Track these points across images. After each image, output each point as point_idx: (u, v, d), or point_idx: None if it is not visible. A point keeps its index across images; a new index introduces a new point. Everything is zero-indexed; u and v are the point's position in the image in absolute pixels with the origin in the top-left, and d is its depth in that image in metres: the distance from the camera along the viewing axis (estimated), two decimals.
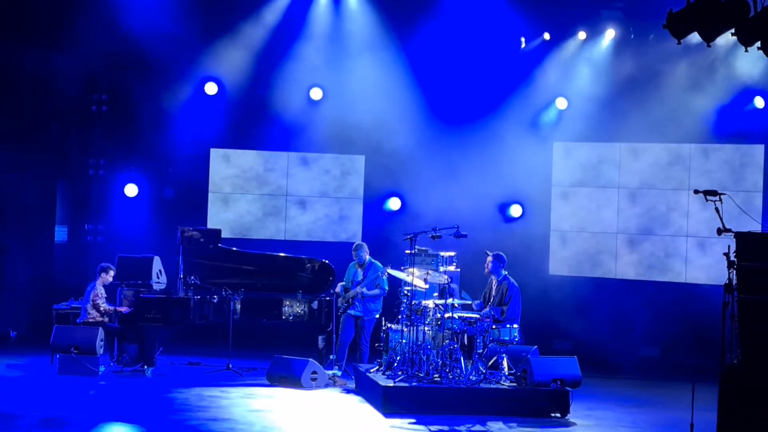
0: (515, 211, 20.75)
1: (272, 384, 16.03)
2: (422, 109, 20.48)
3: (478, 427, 13.28)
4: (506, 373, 14.74)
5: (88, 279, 18.05)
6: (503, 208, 20.74)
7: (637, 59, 19.80)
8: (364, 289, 16.72)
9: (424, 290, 15.49)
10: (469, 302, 15.81)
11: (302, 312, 17.44)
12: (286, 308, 17.41)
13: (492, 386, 14.41)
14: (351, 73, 20.51)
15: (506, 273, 15.81)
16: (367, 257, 16.92)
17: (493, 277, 15.88)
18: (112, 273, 17.16)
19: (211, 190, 21.21)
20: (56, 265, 21.06)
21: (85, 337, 16.28)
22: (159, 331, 16.71)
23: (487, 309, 15.51)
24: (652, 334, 19.89)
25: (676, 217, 19.98)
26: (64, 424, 12.77)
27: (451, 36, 20.00)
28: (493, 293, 15.78)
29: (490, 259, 15.84)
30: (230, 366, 16.88)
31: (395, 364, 14.95)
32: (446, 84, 20.28)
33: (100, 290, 16.99)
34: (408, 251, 15.53)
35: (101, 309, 16.87)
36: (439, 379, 14.34)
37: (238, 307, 17.14)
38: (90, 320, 16.80)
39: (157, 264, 18.41)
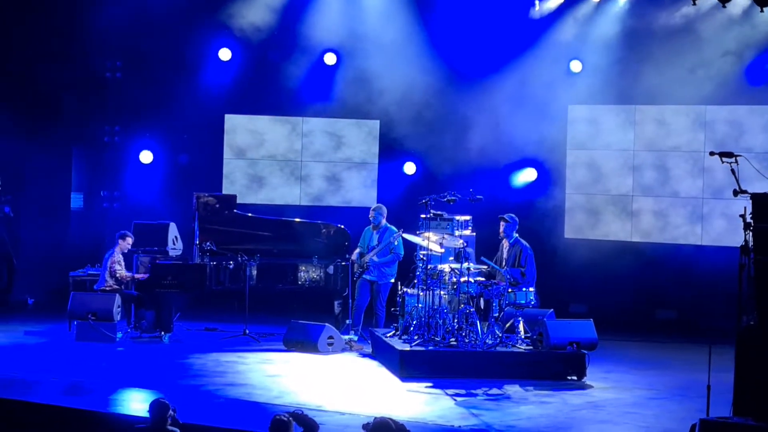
0: (530, 174, 20.69)
1: (289, 349, 16.07)
2: (437, 74, 20.41)
3: (494, 391, 13.30)
4: (522, 337, 14.74)
5: (104, 245, 18.12)
6: (518, 171, 20.68)
7: (653, 19, 19.65)
8: (375, 257, 16.70)
9: (439, 254, 15.48)
10: (497, 269, 15.70)
11: (318, 277, 17.47)
12: (302, 273, 17.44)
13: (508, 350, 14.42)
14: (365, 38, 20.44)
15: (517, 235, 15.80)
16: (384, 221, 16.88)
17: (504, 239, 15.87)
18: (130, 240, 17.13)
19: (226, 155, 21.22)
20: (72, 232, 21.11)
21: (102, 304, 16.33)
22: (175, 297, 16.76)
23: (506, 268, 15.50)
24: (668, 296, 19.86)
25: (692, 178, 19.90)
26: (83, 391, 12.82)
27: None
28: (505, 256, 15.77)
29: (504, 222, 15.84)
30: (247, 331, 16.92)
31: (411, 329, 14.96)
32: (461, 47, 20.18)
33: (118, 257, 17.01)
34: (423, 215, 15.51)
35: (118, 275, 16.90)
36: (455, 342, 14.34)
37: (254, 272, 17.16)
38: (107, 288, 16.84)
39: (172, 230, 18.42)
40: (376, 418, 8.17)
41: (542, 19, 20.37)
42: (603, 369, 14.67)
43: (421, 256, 15.43)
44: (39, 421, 11.23)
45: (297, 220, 18.23)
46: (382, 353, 15.29)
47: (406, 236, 16.19)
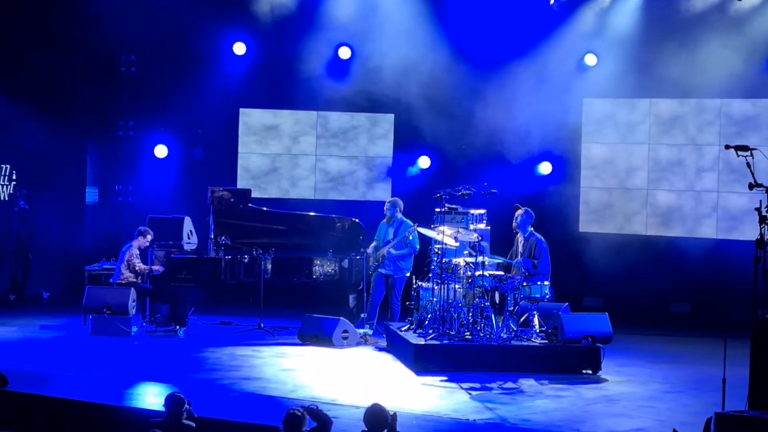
0: (545, 168, 20.66)
1: (304, 343, 16.09)
2: (452, 68, 20.38)
3: (509, 384, 13.30)
4: (537, 331, 14.74)
5: (119, 240, 18.12)
6: (533, 165, 20.64)
7: (669, 13, 19.59)
8: (392, 250, 16.69)
9: (454, 248, 15.46)
10: (511, 262, 15.68)
11: (333, 271, 17.46)
12: (317, 267, 17.43)
13: (523, 343, 14.41)
14: (381, 31, 20.43)
15: (532, 229, 15.77)
16: (399, 214, 16.85)
17: (519, 233, 15.83)
18: (149, 238, 17.14)
19: (241, 149, 21.24)
20: (87, 226, 21.15)
21: (117, 298, 16.35)
22: (190, 291, 16.76)
23: (520, 259, 15.48)
24: (683, 290, 19.84)
25: (707, 171, 19.86)
26: (98, 384, 12.84)
27: None
28: (520, 250, 15.74)
29: (520, 212, 15.78)
30: (262, 325, 16.94)
31: (426, 322, 14.96)
32: (476, 41, 20.16)
33: (136, 251, 17.04)
34: (438, 209, 15.50)
35: (136, 268, 16.93)
36: (470, 336, 14.35)
37: (269, 266, 17.17)
38: (123, 281, 16.87)
39: (187, 224, 18.45)
40: (368, 406, 8.24)
41: (559, 12, 20.27)
42: (618, 363, 14.65)
43: (436, 250, 15.41)
44: (54, 415, 11.26)
45: (312, 213, 18.21)
46: (397, 347, 15.29)
47: (421, 230, 16.18)
